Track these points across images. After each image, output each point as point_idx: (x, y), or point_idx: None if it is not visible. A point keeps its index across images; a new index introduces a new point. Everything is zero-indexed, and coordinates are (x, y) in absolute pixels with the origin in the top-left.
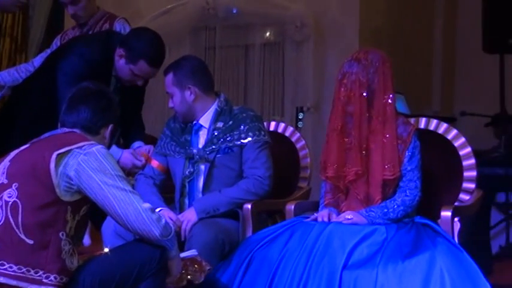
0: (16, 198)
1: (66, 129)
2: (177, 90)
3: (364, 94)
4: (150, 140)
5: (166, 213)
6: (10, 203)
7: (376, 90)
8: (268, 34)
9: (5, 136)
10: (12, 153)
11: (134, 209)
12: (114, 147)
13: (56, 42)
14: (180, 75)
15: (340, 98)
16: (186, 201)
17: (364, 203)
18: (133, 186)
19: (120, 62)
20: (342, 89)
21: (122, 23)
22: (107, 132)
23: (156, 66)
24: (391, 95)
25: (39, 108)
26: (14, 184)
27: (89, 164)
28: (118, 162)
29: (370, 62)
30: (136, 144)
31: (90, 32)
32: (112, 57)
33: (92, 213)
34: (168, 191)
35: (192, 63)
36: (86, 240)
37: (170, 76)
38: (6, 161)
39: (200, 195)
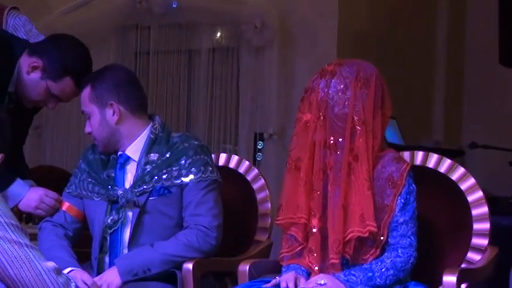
0: None
1: None
2: (96, 109)
3: (321, 118)
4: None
5: (78, 275)
6: None
7: (345, 115)
8: (218, 36)
9: None
10: None
11: (33, 269)
12: (19, 182)
13: None
14: (101, 88)
15: (297, 121)
16: (107, 259)
17: (317, 262)
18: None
19: (33, 76)
20: (300, 110)
21: (15, 17)
22: None
23: (82, 88)
24: (367, 123)
25: None
26: None
27: None
28: (19, 203)
29: (338, 76)
30: (28, 184)
31: None
32: (11, 67)
33: None
34: (84, 245)
35: (117, 74)
36: None
37: (87, 90)
38: None
39: (126, 251)
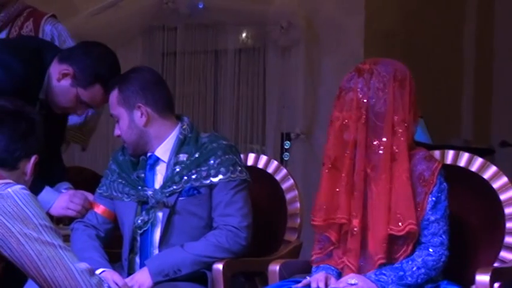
0: None
1: None
2: (124, 112)
3: (364, 118)
4: (90, 175)
5: (110, 276)
6: None
7: (384, 115)
8: (244, 37)
9: None
10: None
11: (66, 270)
12: (47, 190)
13: None
14: (128, 91)
15: (333, 122)
16: (137, 259)
17: (356, 262)
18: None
19: (63, 83)
20: (337, 110)
21: (52, 24)
22: (29, 166)
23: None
24: (406, 122)
25: None
26: None
27: (3, 211)
28: (50, 208)
29: (377, 75)
30: (63, 186)
31: (5, 33)
32: (42, 74)
33: (8, 276)
34: (115, 246)
35: (144, 76)
36: None
37: (115, 93)
38: None
39: (156, 251)
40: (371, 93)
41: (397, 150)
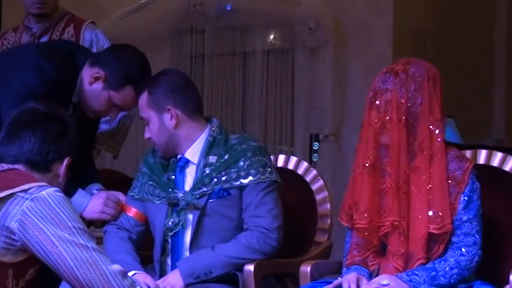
0: None
1: (5, 166)
2: (154, 114)
3: (404, 118)
4: (121, 178)
5: (142, 279)
6: None
7: (420, 114)
8: (272, 38)
9: None
10: None
11: (100, 272)
12: (80, 192)
13: None
14: (157, 94)
15: (371, 124)
16: (169, 261)
17: (404, 263)
18: (101, 240)
19: (95, 86)
20: (374, 112)
21: (92, 30)
22: (62, 168)
23: None
24: (439, 122)
25: None
26: None
27: (37, 213)
28: (84, 211)
29: (412, 76)
30: (95, 187)
31: (47, 37)
32: (75, 78)
33: (42, 277)
34: (147, 248)
35: (172, 78)
36: None
37: (144, 96)
38: None
39: (187, 253)
40: (409, 94)
41: (434, 150)
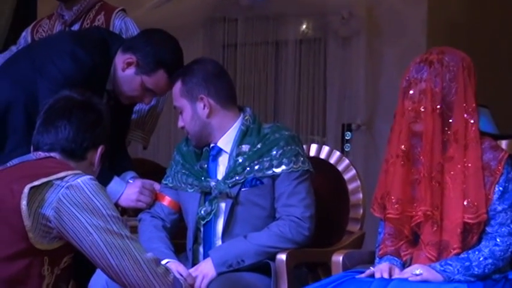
0: None
1: (42, 154)
2: (187, 103)
3: (438, 108)
4: (153, 167)
5: (175, 267)
6: None
7: (455, 104)
8: (305, 28)
9: None
10: None
11: (133, 260)
12: (115, 180)
13: (26, 37)
14: (191, 83)
15: (404, 114)
16: (201, 249)
17: (437, 252)
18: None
19: (127, 72)
20: (408, 102)
21: (122, 17)
22: (96, 156)
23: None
24: (473, 111)
25: (16, 129)
26: None
27: (73, 201)
28: (119, 199)
29: (446, 65)
30: (129, 175)
31: (78, 25)
32: (108, 65)
33: (76, 265)
34: (180, 237)
35: (206, 68)
36: None
37: (178, 85)
38: None
39: (219, 242)
40: (443, 83)
41: (468, 140)
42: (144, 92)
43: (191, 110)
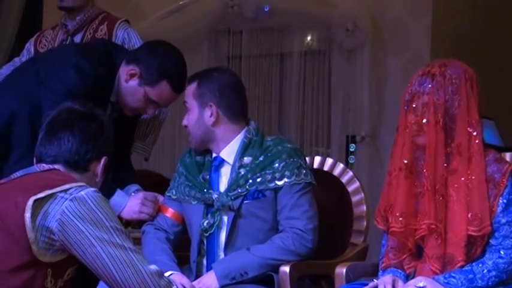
0: None
1: (45, 166)
2: (196, 106)
3: (441, 121)
4: (158, 179)
5: (178, 279)
6: None
7: (458, 116)
8: (309, 39)
9: None
10: None
11: (136, 272)
12: (119, 193)
13: (29, 48)
14: (206, 89)
15: (407, 126)
16: (205, 261)
17: (441, 265)
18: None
19: (131, 83)
20: (410, 115)
21: (125, 28)
22: (99, 167)
23: (178, 91)
24: (477, 123)
25: (20, 140)
26: None
27: (76, 213)
28: (122, 211)
29: (449, 78)
30: (132, 188)
31: (80, 35)
32: (112, 77)
33: (80, 277)
34: (183, 248)
35: (224, 78)
36: None
37: (193, 85)
38: None
39: (222, 254)
40: (446, 96)
41: (472, 152)
42: (147, 103)
43: (198, 113)
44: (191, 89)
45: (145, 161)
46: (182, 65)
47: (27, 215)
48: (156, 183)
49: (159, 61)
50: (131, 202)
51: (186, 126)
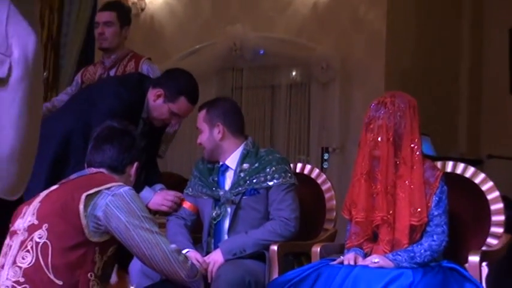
0: (46, 239)
1: (94, 170)
2: (207, 127)
3: (391, 139)
4: (178, 179)
5: (193, 255)
6: (40, 244)
7: (403, 135)
8: (294, 75)
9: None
10: (42, 194)
11: (161, 250)
12: (146, 189)
13: (77, 80)
14: (213, 113)
15: (366, 143)
16: (212, 242)
17: (390, 247)
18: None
19: (157, 102)
20: (369, 134)
21: (148, 63)
22: (132, 170)
23: (194, 103)
24: (417, 140)
25: (77, 149)
26: (44, 225)
27: (116, 205)
28: (149, 203)
29: (397, 106)
30: (158, 187)
31: (114, 70)
32: (143, 99)
33: (120, 253)
34: (197, 231)
35: (226, 104)
36: (113, 278)
37: (203, 113)
38: (36, 201)
39: (226, 236)
40: (395, 120)
41: (414, 162)
42: (171, 116)
43: (209, 132)
44: (201, 115)
45: (159, 158)
46: (194, 83)
47: (81, 206)
48: (177, 182)
49: (177, 82)
50: (156, 197)
51: (200, 144)
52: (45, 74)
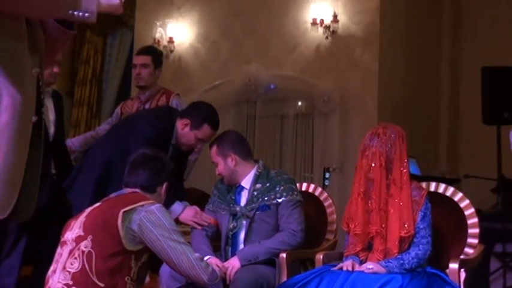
0: (91, 248)
1: (129, 190)
2: (221, 159)
3: (383, 164)
4: (201, 194)
5: (214, 261)
6: (86, 252)
7: (394, 160)
8: (300, 106)
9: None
10: (87, 210)
11: (186, 258)
12: (178, 203)
13: (117, 111)
14: (222, 147)
15: (362, 167)
16: (230, 250)
17: (383, 255)
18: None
19: (185, 130)
20: (364, 160)
21: (177, 98)
22: (162, 189)
23: (216, 129)
24: (405, 164)
25: (117, 172)
26: (89, 236)
27: (149, 220)
28: (179, 216)
29: (388, 136)
30: (184, 204)
31: (148, 104)
32: (172, 128)
33: (152, 260)
34: (216, 241)
35: (232, 136)
36: (146, 278)
37: (214, 148)
38: (83, 216)
39: (242, 245)
40: (386, 148)
41: (402, 183)
42: (196, 141)
43: (223, 163)
44: (213, 151)
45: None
46: (215, 113)
47: (119, 221)
48: (200, 197)
49: (200, 112)
50: (188, 211)
51: (219, 174)
52: (33, 118)
